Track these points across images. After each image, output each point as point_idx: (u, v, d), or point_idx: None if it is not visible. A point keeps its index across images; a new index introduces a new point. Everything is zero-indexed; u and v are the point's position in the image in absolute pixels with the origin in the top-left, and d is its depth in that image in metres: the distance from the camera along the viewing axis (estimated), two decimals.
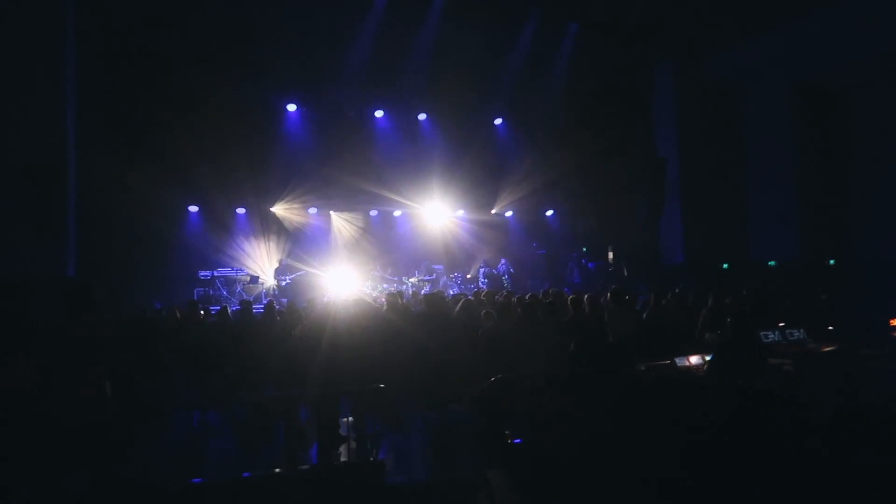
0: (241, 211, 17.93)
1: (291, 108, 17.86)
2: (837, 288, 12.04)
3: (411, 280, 17.46)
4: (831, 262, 16.01)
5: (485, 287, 16.43)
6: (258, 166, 17.23)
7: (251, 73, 15.98)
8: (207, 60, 15.40)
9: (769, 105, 18.16)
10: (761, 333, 6.53)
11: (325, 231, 19.18)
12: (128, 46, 14.32)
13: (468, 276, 18.56)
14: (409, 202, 19.58)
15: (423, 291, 15.54)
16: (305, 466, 6.55)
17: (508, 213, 20.89)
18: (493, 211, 20.73)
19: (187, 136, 15.48)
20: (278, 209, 18.27)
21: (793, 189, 17.51)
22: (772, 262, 16.67)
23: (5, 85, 12.29)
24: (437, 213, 20.09)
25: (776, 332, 6.68)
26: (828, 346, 6.48)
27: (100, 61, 14.24)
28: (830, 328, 7.38)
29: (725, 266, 16.89)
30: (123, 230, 14.77)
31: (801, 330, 6.78)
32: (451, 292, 15.30)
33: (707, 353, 5.97)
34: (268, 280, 16.93)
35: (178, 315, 9.38)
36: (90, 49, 14.14)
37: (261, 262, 17.69)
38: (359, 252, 18.84)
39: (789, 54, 16.77)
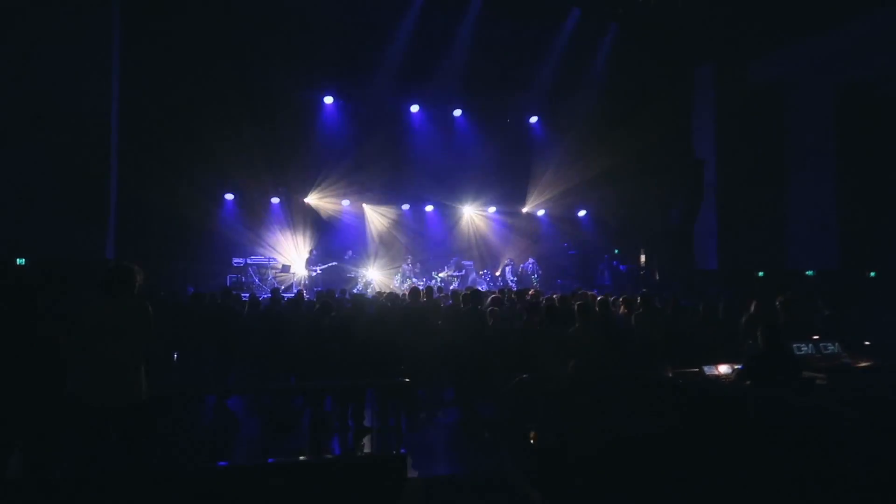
0: (275, 200, 18.15)
1: (328, 100, 18.01)
2: (877, 301, 11.72)
3: (440, 275, 17.50)
4: (872, 273, 15.58)
5: (513, 285, 16.42)
6: (294, 157, 17.46)
7: (290, 64, 16.14)
8: (248, 51, 15.62)
9: (812, 110, 17.74)
10: (794, 346, 6.40)
11: (357, 223, 19.31)
12: (171, 36, 14.57)
13: (497, 273, 18.56)
14: (441, 198, 19.63)
15: (451, 287, 15.58)
16: (329, 456, 6.62)
17: (541, 212, 20.79)
18: (526, 209, 20.65)
19: (226, 126, 15.76)
20: (312, 200, 18.46)
21: (834, 197, 17.09)
22: (810, 272, 16.30)
23: (51, 74, 12.62)
24: (470, 209, 20.11)
25: (810, 345, 6.55)
26: (863, 362, 6.34)
27: (143, 50, 14.55)
28: (867, 343, 7.20)
29: (761, 274, 16.56)
30: (161, 216, 15.08)
31: (836, 343, 6.64)
32: (480, 289, 15.29)
33: (738, 363, 5.89)
34: (299, 270, 17.12)
35: (213, 302, 9.54)
36: (134, 38, 14.45)
37: (293, 251, 17.89)
38: (390, 245, 18.95)
39: (834, 59, 16.33)
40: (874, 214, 16.68)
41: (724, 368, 6.22)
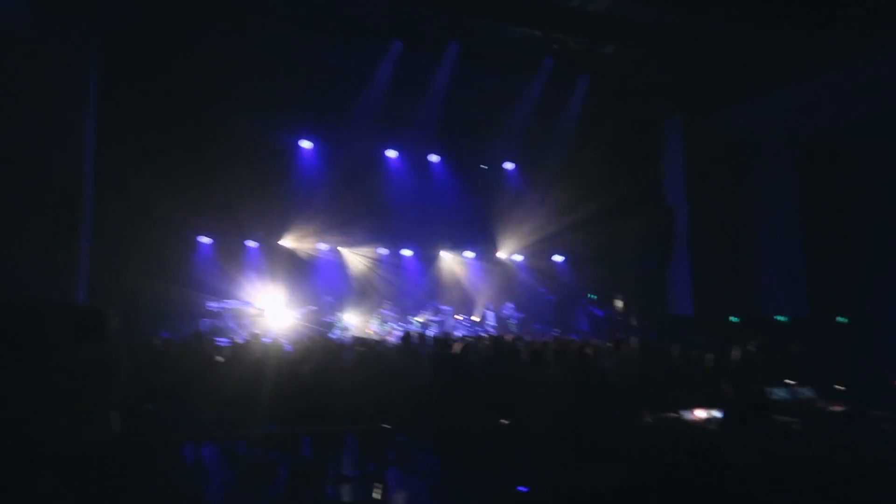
0: (252, 244, 18.04)
1: (306, 144, 18.14)
2: (847, 346, 11.92)
3: (417, 319, 17.46)
4: (841, 319, 15.87)
5: (492, 330, 16.46)
6: (271, 200, 17.43)
7: (268, 108, 16.27)
8: (226, 95, 15.71)
9: (778, 159, 18.30)
10: (768, 390, 6.49)
11: (335, 267, 19.25)
12: (149, 78, 14.62)
13: (475, 318, 18.56)
14: (418, 242, 19.73)
15: (429, 331, 15.57)
16: None
17: (518, 257, 20.96)
18: (503, 255, 20.80)
19: (202, 170, 15.77)
20: (289, 243, 18.38)
21: (800, 244, 17.52)
22: (782, 318, 16.56)
23: (26, 108, 12.55)
24: (447, 254, 20.21)
25: (784, 390, 6.65)
26: (836, 406, 6.45)
27: (121, 90, 14.54)
28: (839, 387, 7.33)
29: (734, 319, 16.80)
30: (135, 258, 14.89)
31: (810, 388, 6.74)
32: (458, 334, 15.31)
33: (715, 408, 5.95)
34: (276, 314, 16.92)
35: (183, 346, 9.40)
36: (112, 78, 14.46)
37: (270, 295, 17.69)
38: (368, 289, 18.90)
39: (800, 110, 16.95)
40: (841, 261, 17.10)
41: (700, 413, 6.28)
